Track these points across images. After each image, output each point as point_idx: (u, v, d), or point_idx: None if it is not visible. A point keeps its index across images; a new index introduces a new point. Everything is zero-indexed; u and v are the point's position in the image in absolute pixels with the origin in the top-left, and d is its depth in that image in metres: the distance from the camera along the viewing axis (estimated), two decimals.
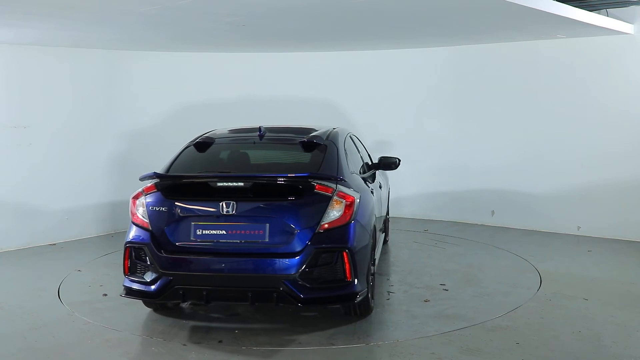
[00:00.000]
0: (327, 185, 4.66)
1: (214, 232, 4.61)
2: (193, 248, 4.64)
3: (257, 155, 5.52)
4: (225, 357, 4.39)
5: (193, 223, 4.65)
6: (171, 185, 4.84)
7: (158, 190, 4.81)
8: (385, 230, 7.41)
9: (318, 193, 4.62)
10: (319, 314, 5.18)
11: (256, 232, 4.57)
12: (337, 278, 4.58)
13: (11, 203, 7.86)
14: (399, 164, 6.73)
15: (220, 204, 4.57)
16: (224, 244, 4.61)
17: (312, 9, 5.90)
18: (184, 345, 4.60)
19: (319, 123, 6.47)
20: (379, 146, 9.16)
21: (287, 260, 4.47)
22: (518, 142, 8.80)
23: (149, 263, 4.66)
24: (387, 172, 7.43)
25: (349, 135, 6.13)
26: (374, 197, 5.86)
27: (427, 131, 9.53)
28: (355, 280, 4.61)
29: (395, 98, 9.69)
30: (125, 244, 4.83)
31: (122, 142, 8.87)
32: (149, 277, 4.66)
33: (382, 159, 6.65)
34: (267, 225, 4.56)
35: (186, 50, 9.19)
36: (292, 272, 4.44)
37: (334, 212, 4.60)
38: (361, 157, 6.30)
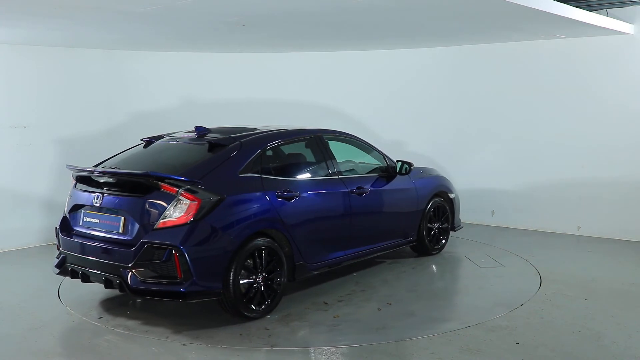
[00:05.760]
0: (172, 185, 4.86)
1: (93, 220, 5.29)
2: (80, 232, 5.34)
3: (167, 154, 5.63)
4: (225, 357, 4.40)
5: (83, 211, 5.38)
6: (77, 177, 5.53)
7: (74, 181, 5.59)
8: (417, 237, 7.01)
9: (164, 192, 4.88)
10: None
11: (114, 223, 5.08)
12: (169, 275, 4.77)
13: (11, 203, 7.87)
14: (411, 167, 6.92)
15: (94, 196, 5.23)
16: (97, 232, 5.21)
17: (312, 8, 5.90)
18: (184, 345, 4.61)
19: (312, 124, 6.42)
20: (379, 146, 9.13)
21: (126, 251, 4.87)
22: (518, 142, 8.80)
23: (58, 243, 5.52)
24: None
25: (316, 137, 6.10)
26: (348, 202, 5.93)
27: (426, 131, 9.53)
28: (193, 280, 4.72)
29: (395, 98, 9.69)
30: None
31: (122, 142, 8.83)
32: (57, 254, 5.53)
33: (399, 163, 6.87)
34: (122, 218, 5.02)
35: (186, 51, 9.19)
36: (128, 263, 4.83)
37: (175, 212, 4.81)
38: (326, 160, 6.05)
